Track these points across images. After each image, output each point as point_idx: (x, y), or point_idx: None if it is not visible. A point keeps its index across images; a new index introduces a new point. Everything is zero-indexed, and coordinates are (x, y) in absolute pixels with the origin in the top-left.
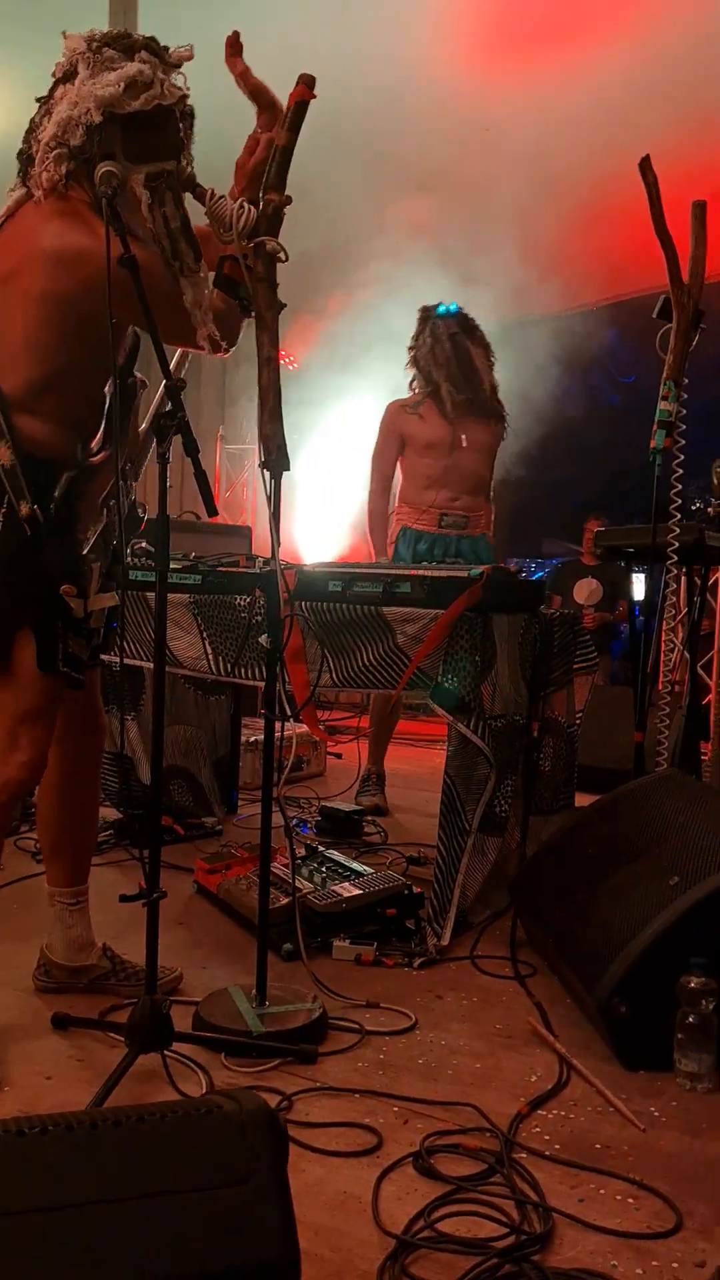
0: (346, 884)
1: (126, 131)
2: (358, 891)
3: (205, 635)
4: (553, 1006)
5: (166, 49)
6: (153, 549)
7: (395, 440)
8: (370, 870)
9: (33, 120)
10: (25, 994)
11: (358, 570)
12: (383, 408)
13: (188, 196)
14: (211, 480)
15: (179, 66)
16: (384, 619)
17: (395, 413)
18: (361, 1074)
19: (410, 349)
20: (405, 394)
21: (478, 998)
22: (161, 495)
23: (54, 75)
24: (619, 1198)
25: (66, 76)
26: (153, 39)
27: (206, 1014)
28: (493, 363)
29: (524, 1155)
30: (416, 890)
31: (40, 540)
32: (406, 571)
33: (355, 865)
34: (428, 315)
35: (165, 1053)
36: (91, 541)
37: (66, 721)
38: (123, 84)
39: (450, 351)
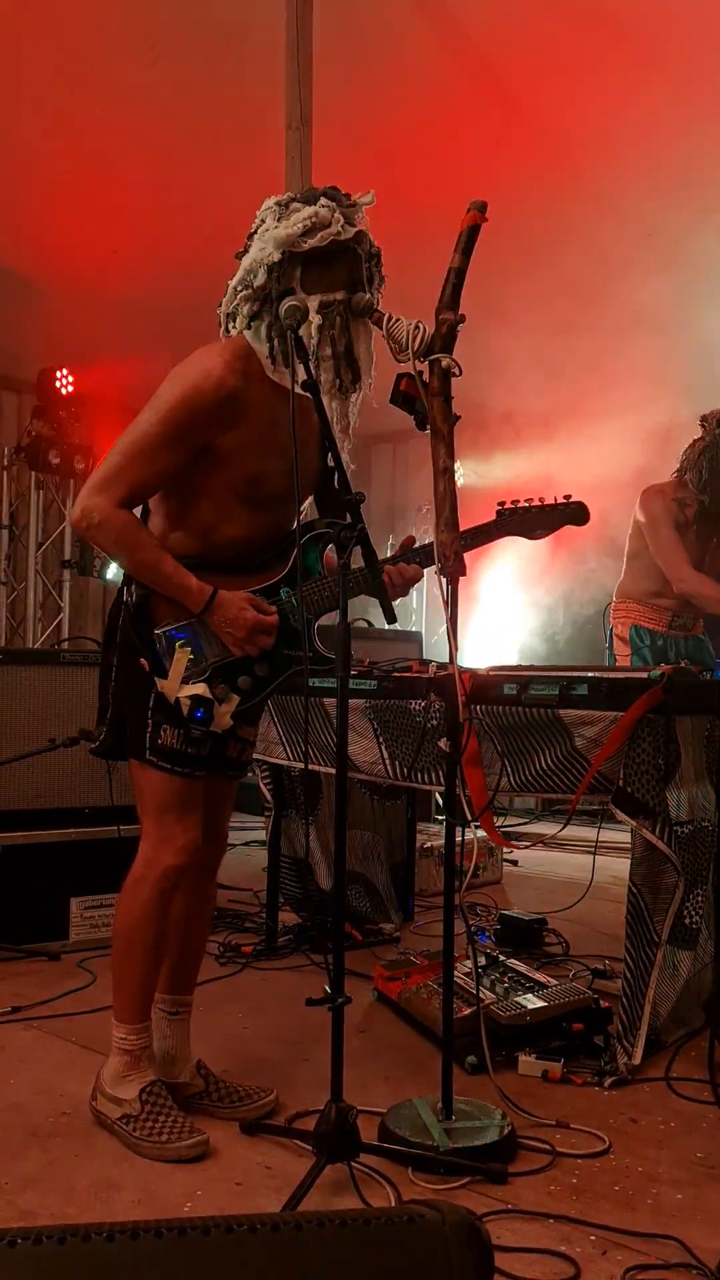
0: (530, 996)
1: (305, 266)
2: (542, 1004)
3: (381, 740)
4: None
5: (348, 195)
6: (330, 655)
7: (673, 529)
8: (554, 982)
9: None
10: None
11: (533, 672)
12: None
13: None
14: None
15: (358, 209)
16: (561, 721)
17: (668, 503)
18: (554, 1198)
19: (696, 448)
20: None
21: (675, 1123)
22: (343, 604)
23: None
24: None
25: (255, 230)
26: (334, 188)
27: (392, 1125)
28: None
29: None
30: (604, 1005)
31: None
32: (582, 673)
33: (538, 976)
34: None
35: (352, 1164)
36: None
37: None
38: (301, 225)
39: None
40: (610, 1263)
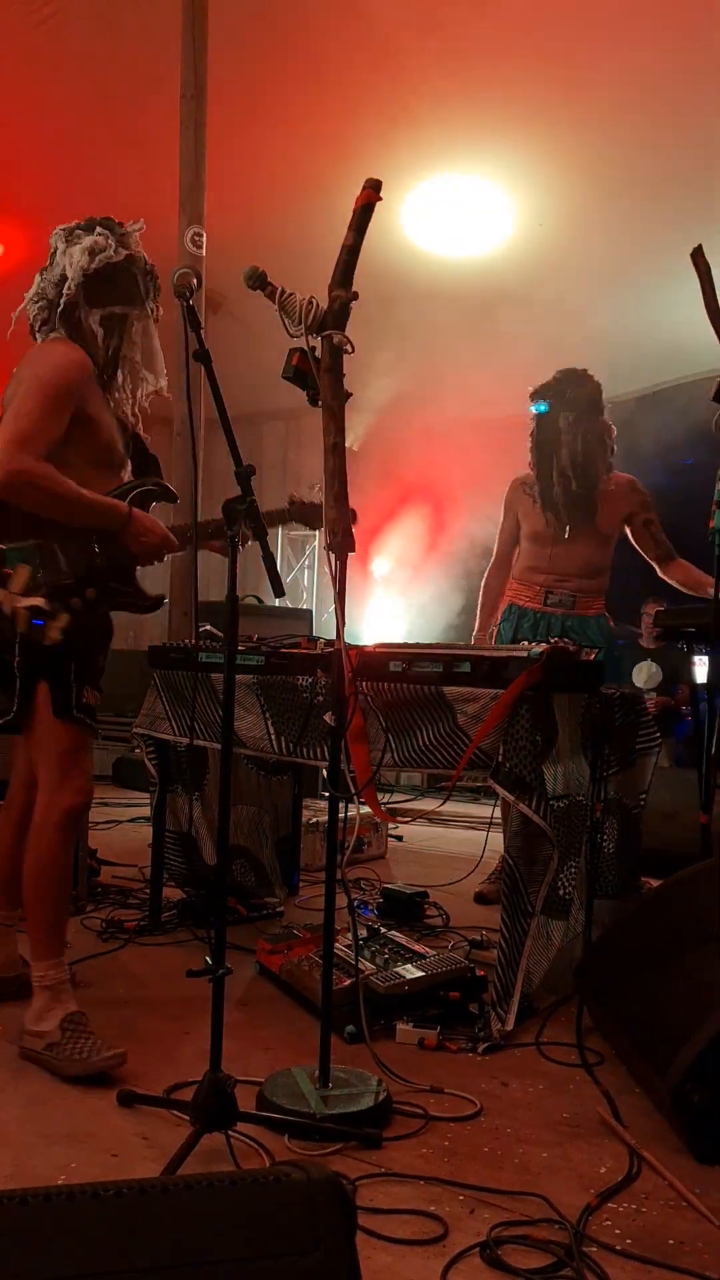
0: (409, 966)
1: (87, 284)
2: (420, 974)
3: (268, 715)
4: (622, 1096)
5: (121, 224)
6: (218, 632)
7: (512, 518)
8: (433, 953)
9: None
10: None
11: (419, 650)
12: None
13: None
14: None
15: (130, 235)
16: (445, 698)
17: (515, 490)
18: (426, 1160)
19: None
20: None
21: (544, 1085)
22: (231, 579)
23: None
24: None
25: (53, 252)
26: (109, 219)
27: (270, 1094)
28: (609, 446)
29: (594, 1249)
30: (479, 973)
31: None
32: (467, 651)
33: (417, 947)
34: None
35: (229, 1132)
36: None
37: (28, 769)
38: (84, 252)
39: (535, 458)
40: (478, 1220)
